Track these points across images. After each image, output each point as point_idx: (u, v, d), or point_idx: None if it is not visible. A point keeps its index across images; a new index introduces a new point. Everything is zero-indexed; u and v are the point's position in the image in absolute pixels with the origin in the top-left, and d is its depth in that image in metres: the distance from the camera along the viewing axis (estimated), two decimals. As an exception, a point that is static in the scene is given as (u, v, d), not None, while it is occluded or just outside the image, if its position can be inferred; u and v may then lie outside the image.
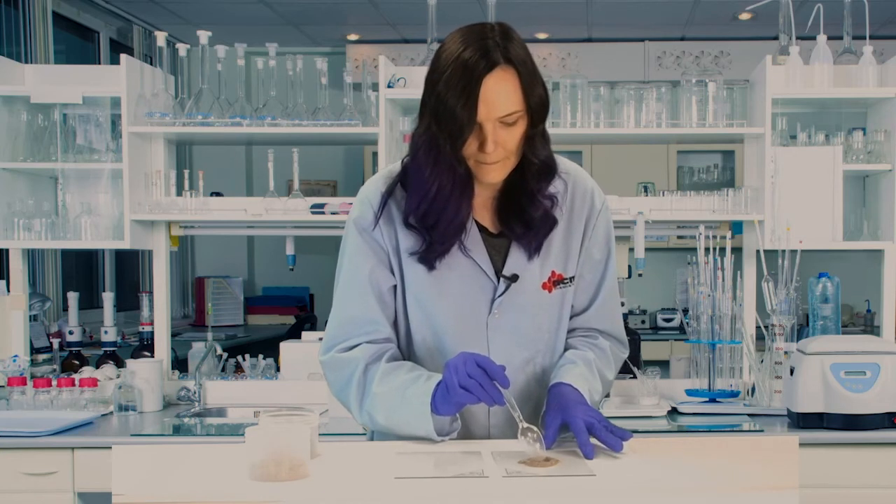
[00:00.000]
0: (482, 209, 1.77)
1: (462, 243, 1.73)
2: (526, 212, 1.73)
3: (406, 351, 1.82)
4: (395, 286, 1.78)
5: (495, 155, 1.64)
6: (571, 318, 1.85)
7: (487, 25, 1.67)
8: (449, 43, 1.65)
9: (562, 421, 1.65)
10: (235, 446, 1.56)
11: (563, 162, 1.82)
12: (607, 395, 3.13)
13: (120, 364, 3.42)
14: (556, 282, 1.79)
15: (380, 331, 1.76)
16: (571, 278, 1.81)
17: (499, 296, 1.76)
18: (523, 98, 1.63)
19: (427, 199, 1.68)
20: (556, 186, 1.77)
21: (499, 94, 1.61)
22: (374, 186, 1.78)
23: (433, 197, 1.67)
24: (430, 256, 1.73)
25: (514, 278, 1.75)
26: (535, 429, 1.61)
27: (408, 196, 1.72)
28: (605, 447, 1.60)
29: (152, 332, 3.49)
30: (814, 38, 3.32)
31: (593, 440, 1.61)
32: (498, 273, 1.76)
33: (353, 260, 1.78)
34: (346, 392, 1.76)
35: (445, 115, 1.61)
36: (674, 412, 3.17)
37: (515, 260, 1.77)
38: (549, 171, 1.73)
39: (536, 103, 1.65)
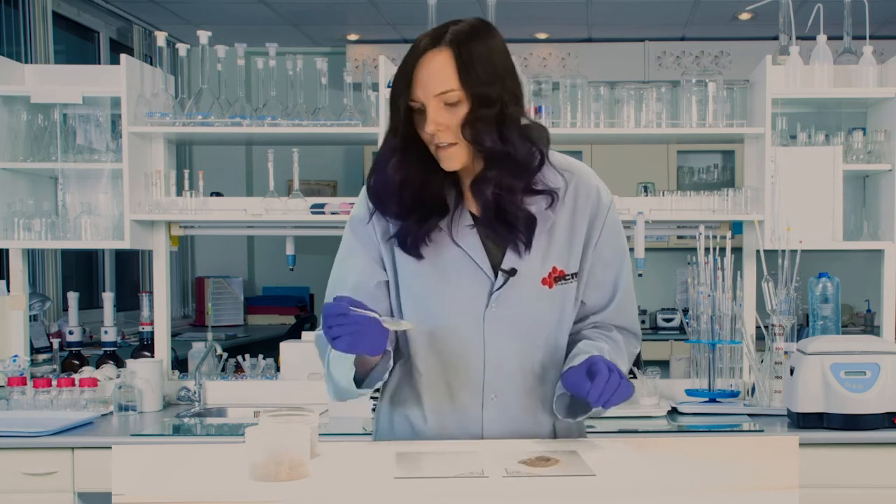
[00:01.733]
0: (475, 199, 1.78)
1: (450, 233, 1.75)
2: (485, 200, 1.74)
3: (402, 345, 1.83)
4: (386, 282, 1.80)
5: (442, 137, 1.67)
6: (589, 315, 1.85)
7: (459, 20, 1.72)
8: None
9: (588, 365, 1.64)
10: (235, 446, 1.56)
11: (563, 160, 1.82)
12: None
13: (120, 364, 3.42)
14: (557, 278, 1.79)
15: None
16: (574, 275, 1.80)
17: (496, 289, 1.76)
18: (458, 77, 1.65)
19: (372, 170, 1.76)
20: (554, 182, 1.77)
21: (431, 71, 1.66)
22: None
23: (374, 166, 1.76)
24: (404, 239, 1.75)
25: (512, 272, 1.75)
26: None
27: None
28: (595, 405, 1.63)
29: (152, 332, 3.49)
30: (814, 38, 3.32)
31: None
32: (496, 266, 1.76)
33: (341, 256, 1.84)
34: (323, 365, 1.79)
35: (392, 93, 1.70)
36: (674, 412, 3.17)
37: (514, 253, 1.76)
38: (503, 159, 1.70)
39: (477, 85, 1.66)
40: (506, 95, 1.68)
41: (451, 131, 1.67)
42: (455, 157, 1.70)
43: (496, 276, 1.76)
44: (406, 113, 1.69)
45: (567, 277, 1.80)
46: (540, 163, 1.75)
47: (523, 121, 1.74)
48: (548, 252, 1.78)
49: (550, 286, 1.78)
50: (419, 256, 1.76)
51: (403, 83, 1.67)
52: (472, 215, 1.77)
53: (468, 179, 1.76)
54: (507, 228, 1.73)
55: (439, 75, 1.65)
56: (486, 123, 1.67)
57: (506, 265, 1.76)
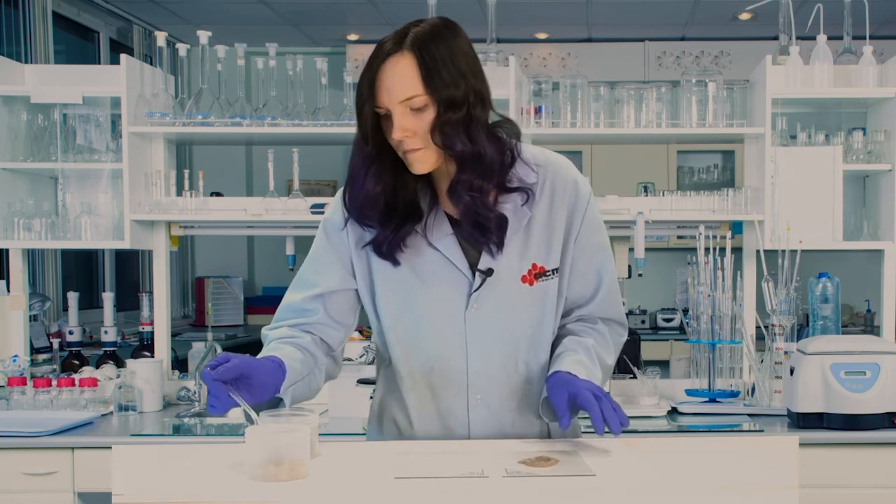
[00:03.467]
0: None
1: (426, 236, 1.74)
2: (464, 205, 1.71)
3: (383, 350, 1.83)
4: (355, 290, 1.81)
5: (410, 143, 1.65)
6: (574, 308, 1.83)
7: (421, 20, 1.69)
8: None
9: (568, 395, 1.64)
10: (235, 446, 1.56)
11: (537, 153, 1.80)
12: (606, 380, 3.13)
13: (120, 364, 3.42)
14: (538, 274, 1.77)
15: (308, 316, 1.79)
16: (554, 270, 1.78)
17: (475, 290, 1.75)
18: (423, 83, 1.63)
19: (348, 181, 1.73)
20: (528, 178, 1.75)
21: (394, 77, 1.63)
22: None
23: (350, 177, 1.73)
24: (378, 246, 1.74)
25: (488, 272, 1.74)
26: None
27: None
28: (601, 433, 1.60)
29: (152, 332, 3.49)
30: (814, 38, 3.32)
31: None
32: (473, 266, 1.75)
33: (312, 257, 1.83)
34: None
35: (356, 100, 1.68)
36: (674, 412, 3.17)
37: (489, 253, 1.74)
38: (472, 162, 1.68)
39: (442, 89, 1.63)
40: (472, 96, 1.66)
41: (418, 136, 1.65)
42: (424, 160, 1.67)
43: (474, 277, 1.75)
44: (373, 119, 1.67)
45: (548, 273, 1.77)
46: (511, 160, 1.73)
47: (492, 118, 1.72)
48: (526, 249, 1.76)
49: (531, 283, 1.77)
50: (396, 263, 1.75)
51: (367, 89, 1.64)
52: (448, 216, 1.76)
53: (443, 181, 1.74)
54: (479, 231, 1.72)
55: (403, 81, 1.62)
56: (454, 127, 1.65)
57: (482, 265, 1.74)
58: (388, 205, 1.72)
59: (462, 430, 1.78)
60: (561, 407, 1.64)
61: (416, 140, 1.65)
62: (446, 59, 1.64)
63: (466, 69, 1.66)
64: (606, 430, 1.59)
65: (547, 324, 1.80)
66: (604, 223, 1.86)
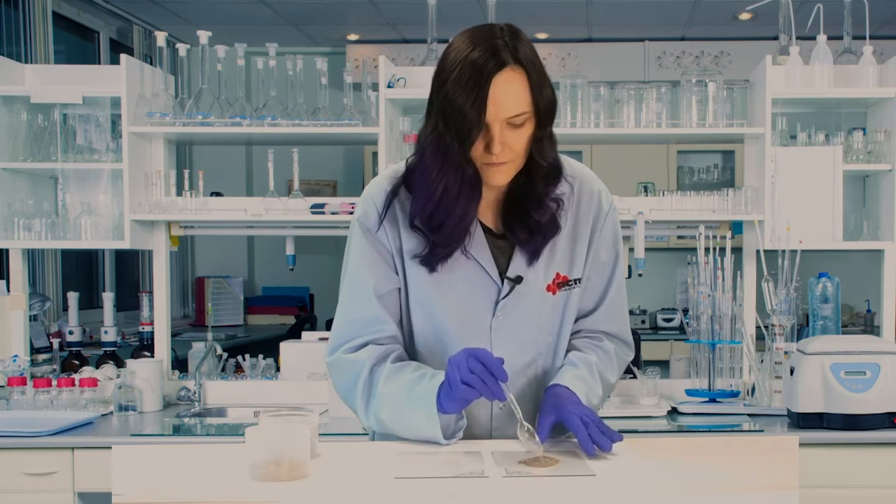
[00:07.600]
0: (486, 209, 1.76)
1: (464, 246, 1.72)
2: (531, 216, 1.71)
3: (409, 352, 1.81)
4: (399, 288, 1.77)
5: (502, 156, 1.63)
6: (578, 319, 1.84)
7: (496, 26, 1.66)
8: (457, 42, 1.64)
9: (556, 419, 1.65)
10: (235, 446, 1.56)
11: (570, 164, 1.80)
12: (608, 396, 3.13)
13: (120, 364, 3.42)
14: (561, 284, 1.78)
15: (384, 329, 1.75)
16: (577, 280, 1.80)
17: (503, 298, 1.75)
18: (532, 99, 1.62)
19: (433, 200, 1.65)
20: (562, 189, 1.75)
21: (508, 94, 1.59)
22: (378, 187, 1.77)
23: (439, 198, 1.65)
24: (432, 259, 1.72)
25: (518, 280, 1.75)
26: (531, 427, 1.63)
27: (413, 197, 1.71)
28: (598, 447, 1.61)
29: (152, 332, 3.49)
30: (814, 38, 3.32)
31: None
32: (501, 274, 1.75)
33: (357, 260, 1.76)
34: (352, 394, 1.75)
35: (454, 114, 1.59)
36: (674, 412, 3.17)
37: (519, 262, 1.76)
38: (556, 173, 1.72)
39: (545, 105, 1.64)
40: (554, 107, 1.67)
41: (511, 150, 1.63)
42: (507, 173, 1.66)
43: (502, 284, 1.75)
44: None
45: (570, 283, 1.79)
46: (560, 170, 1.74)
47: None
48: (551, 259, 1.77)
49: (554, 292, 1.78)
50: (433, 270, 1.73)
51: (474, 108, 1.57)
52: (482, 225, 1.75)
53: (486, 190, 1.71)
54: (528, 235, 1.72)
55: (515, 98, 1.60)
56: (549, 139, 1.67)
57: (511, 273, 1.75)
58: (462, 230, 1.70)
59: (484, 434, 1.79)
60: (544, 424, 1.65)
61: (507, 153, 1.63)
62: (543, 74, 1.64)
63: (548, 78, 1.66)
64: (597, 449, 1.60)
65: (565, 332, 1.81)
66: (622, 238, 1.87)
